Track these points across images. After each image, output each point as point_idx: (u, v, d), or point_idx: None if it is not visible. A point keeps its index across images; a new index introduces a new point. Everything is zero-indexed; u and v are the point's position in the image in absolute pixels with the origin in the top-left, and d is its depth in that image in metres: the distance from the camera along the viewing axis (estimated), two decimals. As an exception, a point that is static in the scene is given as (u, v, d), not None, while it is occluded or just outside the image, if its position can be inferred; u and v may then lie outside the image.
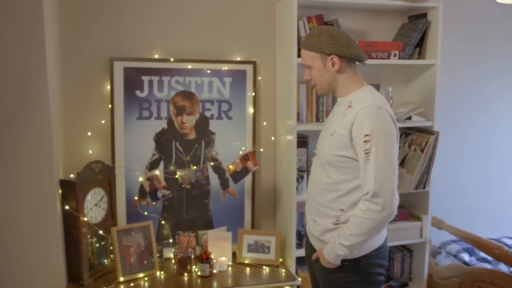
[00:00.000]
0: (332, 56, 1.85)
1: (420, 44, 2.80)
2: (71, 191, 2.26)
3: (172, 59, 2.57)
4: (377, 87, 2.72)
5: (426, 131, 2.75)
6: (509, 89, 3.39)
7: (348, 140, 1.80)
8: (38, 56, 2.07)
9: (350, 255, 1.84)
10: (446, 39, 2.91)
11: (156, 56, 2.58)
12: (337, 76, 1.90)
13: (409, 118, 2.74)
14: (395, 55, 2.68)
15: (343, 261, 1.86)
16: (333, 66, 1.86)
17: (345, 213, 1.86)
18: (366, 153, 1.74)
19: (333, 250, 1.83)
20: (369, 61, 2.54)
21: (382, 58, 2.66)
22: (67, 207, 2.27)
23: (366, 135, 1.74)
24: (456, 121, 3.29)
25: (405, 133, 2.88)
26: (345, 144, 1.81)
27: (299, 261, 2.64)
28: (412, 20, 2.87)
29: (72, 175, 2.37)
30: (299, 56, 2.48)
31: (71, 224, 2.28)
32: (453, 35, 3.14)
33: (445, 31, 2.79)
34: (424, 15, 2.79)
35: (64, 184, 2.28)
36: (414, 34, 2.75)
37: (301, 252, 2.28)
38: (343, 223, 1.85)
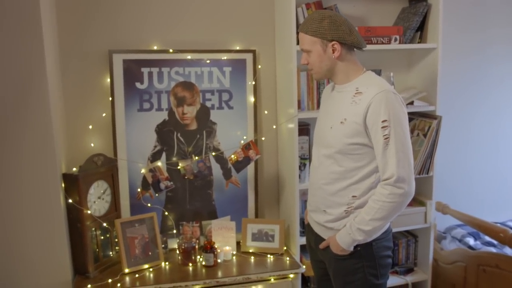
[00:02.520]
0: (333, 42, 1.84)
1: (421, 28, 2.77)
2: (74, 184, 2.27)
3: (171, 50, 2.56)
4: (379, 72, 2.70)
5: (429, 115, 2.73)
6: (510, 73, 3.35)
7: (362, 127, 1.79)
8: (36, 51, 2.06)
9: (364, 240, 1.84)
10: (447, 23, 2.87)
11: (155, 48, 2.57)
12: (337, 63, 1.88)
13: (411, 103, 2.72)
14: (395, 39, 2.65)
15: (355, 247, 1.87)
16: (333, 52, 1.85)
17: (358, 200, 1.86)
18: (386, 138, 1.75)
19: (349, 236, 1.83)
20: (369, 47, 2.55)
21: (382, 43, 2.63)
22: (70, 201, 2.28)
23: (384, 121, 1.74)
24: (460, 105, 3.26)
25: (407, 118, 2.85)
26: (359, 131, 1.80)
27: (303, 249, 2.63)
28: (413, 4, 2.83)
29: (74, 169, 2.37)
30: (298, 43, 2.48)
31: (75, 218, 2.30)
32: (454, 19, 3.10)
33: (446, 15, 2.75)
34: (424, -1, 2.76)
35: (67, 177, 2.29)
36: (415, 18, 2.72)
37: (305, 240, 2.28)
38: (355, 209, 1.86)
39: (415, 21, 2.71)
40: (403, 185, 1.75)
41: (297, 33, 2.46)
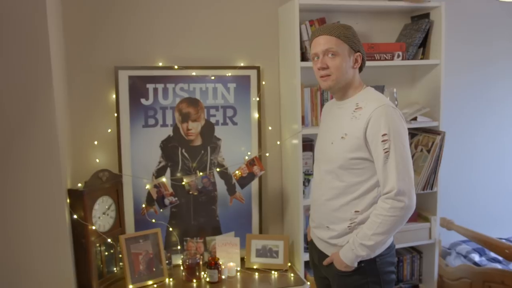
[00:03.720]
0: (358, 53, 1.88)
1: (424, 44, 2.80)
2: (79, 200, 2.28)
3: (176, 67, 2.59)
4: (382, 88, 2.72)
5: (432, 131, 2.74)
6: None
7: (362, 141, 1.81)
8: (43, 66, 2.08)
9: (367, 256, 1.84)
10: (450, 39, 2.90)
11: (160, 64, 2.60)
12: (353, 75, 1.90)
13: (415, 118, 2.73)
14: (398, 56, 2.67)
15: (359, 263, 1.86)
16: (355, 63, 1.88)
17: (360, 215, 1.86)
18: (386, 151, 1.76)
19: (352, 252, 1.82)
20: (373, 63, 2.58)
21: (385, 59, 2.65)
22: (75, 216, 2.28)
23: (384, 135, 1.76)
24: (463, 120, 3.27)
25: (411, 134, 2.86)
26: (360, 145, 1.82)
27: (308, 265, 2.61)
28: (415, 21, 2.86)
29: (79, 184, 2.38)
30: (302, 59, 2.51)
31: (79, 233, 2.30)
32: (457, 34, 3.13)
33: (448, 31, 2.78)
34: (426, 15, 2.79)
35: (72, 193, 2.29)
36: (417, 34, 2.74)
37: (309, 257, 2.28)
38: (358, 225, 1.86)
39: (418, 37, 2.74)
40: (403, 198, 1.75)
41: (301, 49, 2.51)
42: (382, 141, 1.76)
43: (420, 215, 2.88)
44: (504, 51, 3.30)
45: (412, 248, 2.97)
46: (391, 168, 1.75)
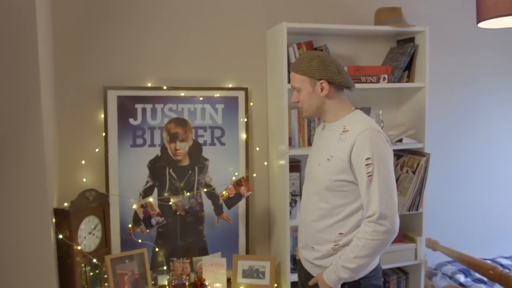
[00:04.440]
0: (322, 81, 1.90)
1: (409, 67, 2.85)
2: (65, 220, 2.26)
3: (165, 87, 2.61)
4: (368, 110, 2.75)
5: (418, 153, 2.77)
6: (496, 108, 3.43)
7: (347, 164, 1.83)
8: (32, 86, 2.08)
9: (350, 278, 1.84)
10: (434, 62, 2.97)
11: (149, 84, 2.62)
12: (326, 101, 1.94)
13: (400, 140, 2.77)
14: (384, 79, 2.72)
15: (343, 284, 1.87)
16: (322, 91, 1.91)
17: (344, 237, 1.87)
18: (369, 175, 1.78)
19: (335, 273, 1.83)
20: (359, 85, 2.62)
21: (371, 82, 2.69)
22: (60, 236, 2.26)
23: (367, 158, 1.78)
24: (448, 141, 3.32)
25: (396, 155, 2.90)
26: (345, 168, 1.84)
27: (294, 286, 2.62)
28: (400, 44, 2.92)
29: (66, 204, 2.37)
30: (289, 82, 2.54)
31: (64, 253, 2.27)
32: (441, 57, 3.19)
33: (433, 54, 2.84)
34: (411, 39, 2.84)
35: (58, 213, 2.27)
36: (403, 58, 2.79)
37: (296, 277, 2.28)
38: (342, 247, 1.87)
39: (403, 60, 2.79)
40: (385, 222, 1.77)
41: (289, 72, 2.54)
42: (366, 164, 1.78)
43: (406, 235, 2.90)
44: (483, 71, 3.36)
45: (398, 268, 2.98)
46: (374, 192, 1.78)
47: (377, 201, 1.77)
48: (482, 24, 1.78)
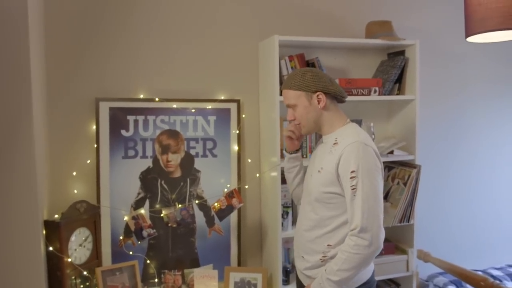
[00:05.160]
0: (318, 93, 1.91)
1: (400, 80, 2.88)
2: (56, 231, 2.25)
3: (157, 99, 2.61)
4: (359, 122, 2.77)
5: (408, 164, 2.79)
6: (485, 118, 3.46)
7: (335, 177, 1.84)
8: (24, 97, 2.07)
9: None
10: (424, 74, 3.00)
11: (142, 96, 2.62)
12: (323, 113, 1.95)
13: (391, 152, 2.79)
14: (375, 91, 2.74)
15: None
16: (319, 103, 1.92)
17: (333, 249, 1.88)
18: (353, 189, 1.77)
19: (320, 285, 1.83)
20: (350, 98, 2.63)
21: (363, 94, 2.71)
22: (51, 248, 2.24)
23: (352, 172, 1.78)
24: (438, 153, 3.34)
25: (388, 167, 2.92)
26: (332, 180, 1.85)
27: (286, 298, 2.63)
28: (391, 57, 2.95)
29: (56, 216, 2.35)
30: (281, 94, 2.55)
31: (55, 265, 2.26)
32: (431, 70, 3.22)
33: (423, 67, 2.87)
34: (402, 52, 2.87)
35: (49, 224, 2.26)
36: (393, 70, 2.82)
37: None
38: (330, 259, 1.87)
39: (394, 73, 2.81)
40: (366, 236, 1.75)
41: (281, 91, 2.55)
42: (351, 177, 1.78)
43: (398, 247, 2.90)
44: (472, 84, 3.39)
45: (390, 280, 2.98)
46: (357, 205, 1.77)
47: (359, 215, 1.76)
48: (471, 39, 1.80)
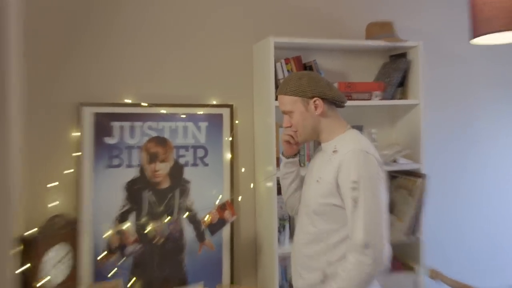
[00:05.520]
0: (314, 98, 1.82)
1: (403, 83, 2.76)
2: (31, 248, 2.10)
3: (144, 104, 2.50)
4: (360, 128, 2.68)
5: (414, 173, 2.64)
6: (494, 124, 3.32)
7: (334, 187, 1.73)
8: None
9: None
10: (429, 77, 2.89)
11: (128, 101, 2.50)
12: (321, 120, 1.85)
13: (395, 160, 2.66)
14: (377, 95, 2.61)
15: None
16: (316, 109, 1.82)
17: (333, 266, 1.74)
18: (354, 200, 1.66)
19: None
20: (350, 103, 2.52)
21: (363, 99, 2.60)
22: (26, 266, 2.08)
23: (353, 182, 1.67)
24: (445, 161, 3.18)
25: (391, 176, 2.76)
26: (332, 191, 1.74)
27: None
28: (393, 59, 2.85)
29: (33, 230, 2.19)
30: (277, 98, 2.42)
31: (29, 285, 2.09)
32: (435, 73, 3.10)
33: (427, 69, 2.76)
34: (404, 55, 2.77)
35: (24, 240, 2.12)
36: (396, 73, 2.71)
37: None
38: (330, 277, 1.74)
39: (396, 77, 2.71)
40: (369, 252, 1.62)
41: (276, 87, 2.44)
42: (351, 188, 1.67)
43: (405, 263, 2.74)
44: (479, 87, 3.28)
45: (396, 299, 2.81)
46: (359, 218, 1.65)
47: (361, 228, 1.63)
48: (476, 41, 1.76)
